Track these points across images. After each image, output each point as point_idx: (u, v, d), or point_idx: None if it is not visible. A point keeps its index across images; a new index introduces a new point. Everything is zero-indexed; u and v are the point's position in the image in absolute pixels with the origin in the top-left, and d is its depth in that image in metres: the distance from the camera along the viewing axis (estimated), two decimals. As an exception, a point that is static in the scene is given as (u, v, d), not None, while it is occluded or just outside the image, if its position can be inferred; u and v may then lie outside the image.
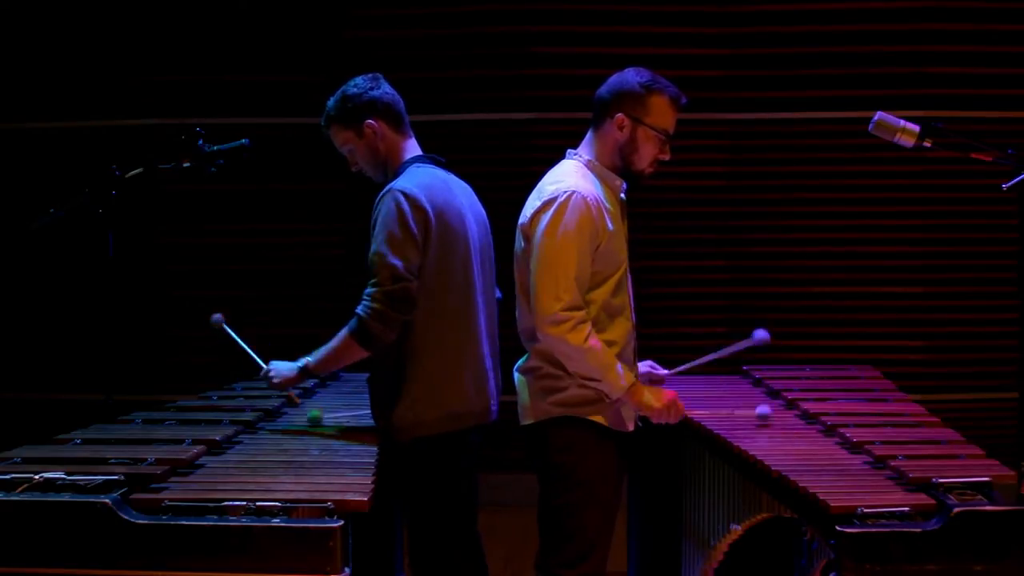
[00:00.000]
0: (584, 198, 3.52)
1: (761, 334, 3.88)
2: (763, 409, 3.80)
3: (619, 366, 3.52)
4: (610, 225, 3.57)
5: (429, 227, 3.61)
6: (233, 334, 4.10)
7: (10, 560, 2.92)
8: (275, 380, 3.77)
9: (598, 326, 3.57)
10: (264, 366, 3.84)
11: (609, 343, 3.59)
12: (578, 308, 3.48)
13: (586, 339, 3.46)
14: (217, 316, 4.16)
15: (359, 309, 3.57)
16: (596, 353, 3.48)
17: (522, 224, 3.63)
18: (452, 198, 3.74)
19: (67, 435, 3.56)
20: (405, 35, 6.06)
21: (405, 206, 3.59)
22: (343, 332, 3.62)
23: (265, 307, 6.17)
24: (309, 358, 3.71)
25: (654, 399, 3.56)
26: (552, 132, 5.86)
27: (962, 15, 5.94)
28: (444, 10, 6.05)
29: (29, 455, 3.32)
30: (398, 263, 3.55)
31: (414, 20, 6.07)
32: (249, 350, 4.02)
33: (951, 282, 6.05)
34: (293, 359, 3.77)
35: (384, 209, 3.61)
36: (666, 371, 3.99)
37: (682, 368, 3.98)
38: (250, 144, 3.99)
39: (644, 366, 3.92)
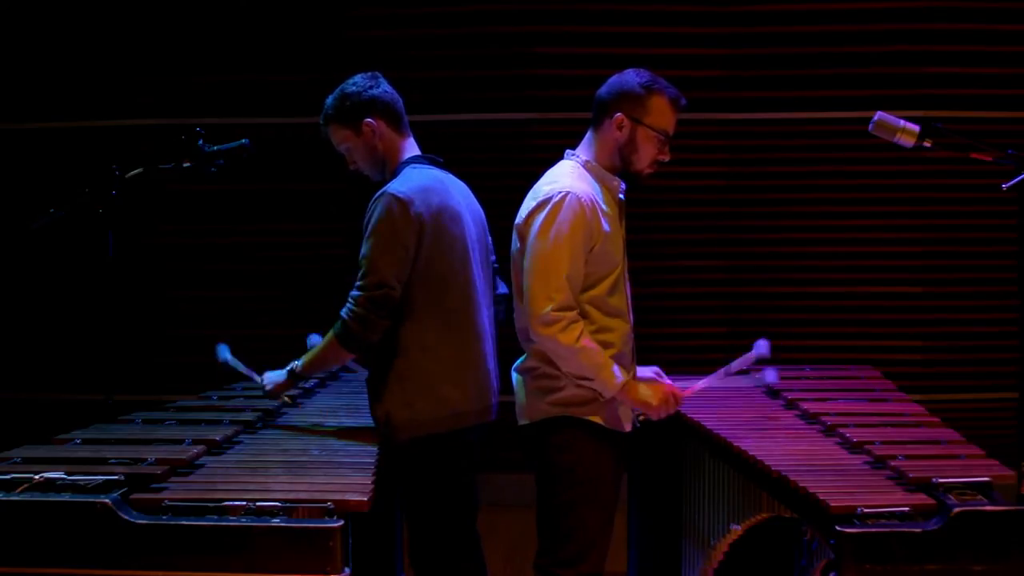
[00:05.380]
0: (579, 199, 3.52)
1: (762, 347, 3.65)
2: (771, 376, 3.75)
3: (613, 365, 3.52)
4: (606, 226, 3.57)
5: (423, 231, 3.62)
6: (234, 363, 4.13)
7: (10, 560, 2.92)
8: (268, 387, 3.86)
9: (595, 327, 3.57)
10: (260, 379, 3.92)
11: (606, 344, 3.59)
12: (570, 308, 3.48)
13: (578, 339, 3.47)
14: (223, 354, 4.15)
15: (342, 311, 3.62)
16: (589, 352, 3.48)
17: (517, 224, 3.63)
18: (449, 199, 3.74)
19: (67, 435, 3.56)
20: (405, 35, 6.06)
21: (397, 211, 3.59)
22: (329, 334, 3.69)
23: (265, 307, 6.18)
24: (297, 362, 3.79)
25: (650, 395, 3.56)
26: (551, 132, 5.86)
27: (962, 15, 5.94)
28: (444, 10, 6.06)
29: (29, 455, 3.32)
30: (383, 269, 3.58)
31: (414, 20, 6.07)
32: (248, 371, 4.07)
33: (951, 282, 6.05)
34: (293, 359, 3.79)
35: (376, 213, 3.61)
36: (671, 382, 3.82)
37: (697, 388, 3.74)
38: (250, 144, 3.99)
39: (649, 371, 3.89)
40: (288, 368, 3.81)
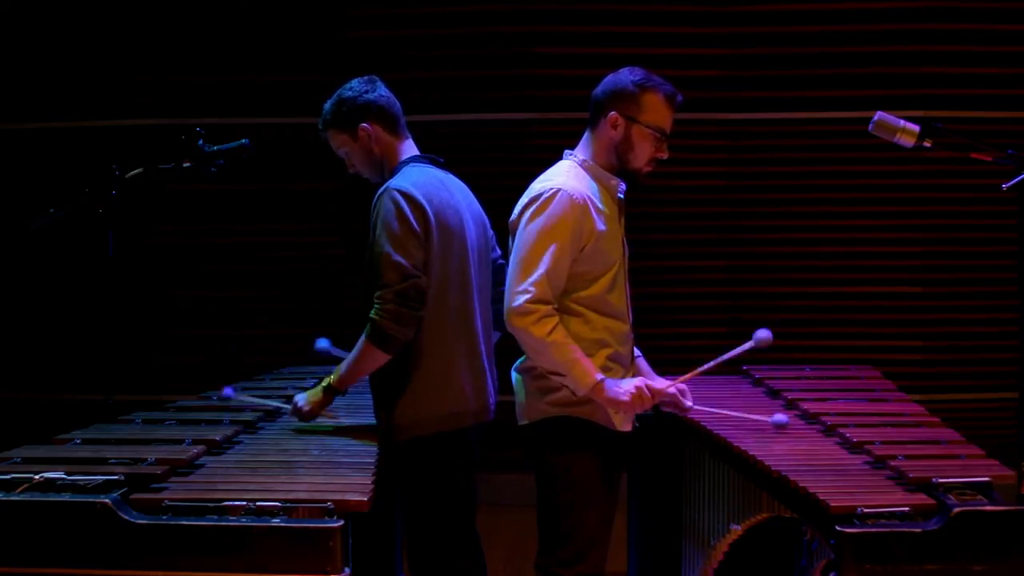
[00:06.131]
0: (570, 196, 3.52)
1: (763, 333, 3.74)
2: (780, 418, 3.68)
3: (586, 362, 3.49)
4: (600, 225, 3.57)
5: (429, 224, 3.61)
6: (249, 400, 3.99)
7: (10, 560, 2.92)
8: (306, 409, 3.70)
9: (592, 326, 3.57)
10: (286, 406, 3.78)
11: (604, 344, 3.59)
12: (547, 302, 3.48)
13: (550, 332, 3.46)
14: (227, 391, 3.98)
15: (372, 313, 3.54)
16: (560, 347, 3.47)
17: (511, 221, 3.64)
18: (449, 197, 3.73)
19: (67, 435, 3.56)
20: (405, 35, 6.07)
21: (403, 203, 3.58)
22: (361, 340, 3.59)
23: (265, 307, 6.18)
24: (331, 376, 3.68)
25: (621, 393, 3.52)
26: (551, 132, 5.86)
27: (962, 15, 5.95)
28: (444, 10, 6.06)
29: (29, 455, 3.32)
30: (404, 261, 3.54)
31: (414, 20, 6.07)
32: (266, 402, 3.95)
33: (951, 282, 6.05)
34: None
35: (383, 209, 3.60)
36: (666, 381, 3.81)
37: (684, 378, 3.75)
38: (250, 144, 3.99)
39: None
40: (323, 385, 3.68)
